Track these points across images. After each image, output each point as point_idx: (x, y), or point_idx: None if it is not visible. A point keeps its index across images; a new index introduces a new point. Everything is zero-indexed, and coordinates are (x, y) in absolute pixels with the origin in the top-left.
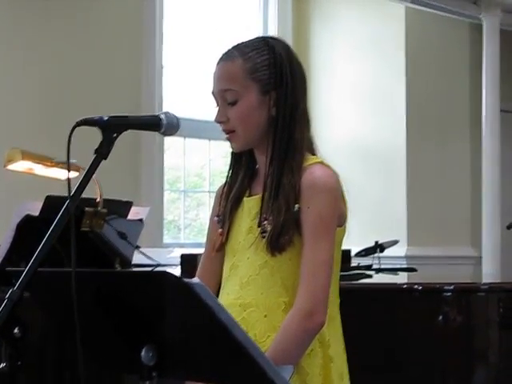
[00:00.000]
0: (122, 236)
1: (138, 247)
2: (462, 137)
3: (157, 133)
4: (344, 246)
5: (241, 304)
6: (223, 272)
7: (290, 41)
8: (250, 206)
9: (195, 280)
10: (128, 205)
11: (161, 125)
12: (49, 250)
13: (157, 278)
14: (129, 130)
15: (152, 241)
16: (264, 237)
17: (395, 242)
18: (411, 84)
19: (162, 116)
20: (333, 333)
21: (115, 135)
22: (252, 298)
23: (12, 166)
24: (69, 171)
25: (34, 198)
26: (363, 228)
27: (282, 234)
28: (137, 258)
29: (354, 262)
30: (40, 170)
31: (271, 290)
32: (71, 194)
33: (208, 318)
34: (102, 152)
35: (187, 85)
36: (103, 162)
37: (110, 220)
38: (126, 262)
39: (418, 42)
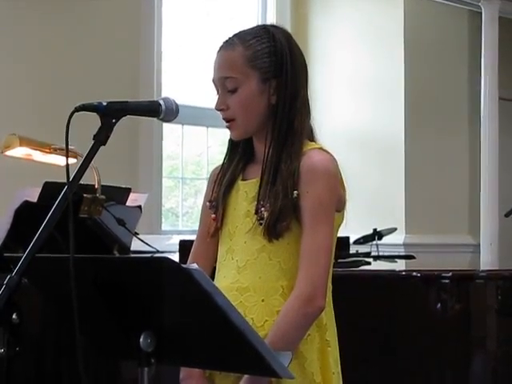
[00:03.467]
0: (121, 223)
1: (136, 234)
2: (461, 125)
3: (155, 120)
4: (342, 233)
5: (238, 288)
6: (218, 256)
7: (288, 28)
8: (247, 189)
9: (194, 266)
10: (126, 191)
11: (160, 110)
12: (47, 235)
13: (156, 264)
14: (128, 117)
15: (150, 228)
16: (261, 224)
17: (393, 230)
18: (410, 71)
19: (161, 102)
20: (329, 317)
21: (114, 121)
22: (249, 282)
23: (10, 152)
24: (67, 157)
25: (33, 184)
26: (361, 215)
27: (279, 220)
28: (135, 245)
29: (353, 250)
30: (38, 156)
31: (269, 274)
32: (69, 179)
33: (206, 303)
34: (101, 138)
35: (186, 72)
36: (102, 148)
37: (109, 206)
38: (125, 248)
39: (416, 29)
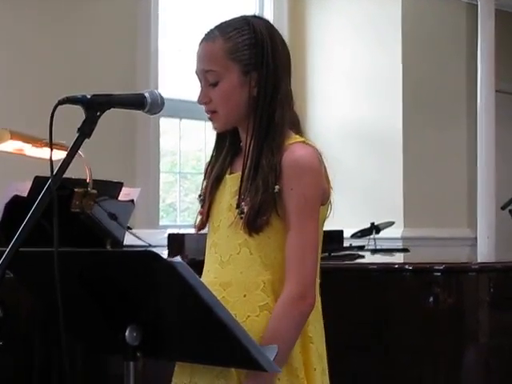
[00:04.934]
0: (112, 217)
1: (129, 228)
2: (459, 118)
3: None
4: (338, 227)
5: (221, 283)
6: (206, 250)
7: (285, 23)
8: (231, 183)
9: (177, 259)
10: (118, 186)
11: (145, 103)
12: (31, 229)
13: (140, 258)
14: (124, 112)
15: (148, 223)
16: (242, 218)
17: (391, 224)
18: (407, 65)
19: (146, 94)
20: (312, 313)
21: (98, 114)
22: (231, 276)
23: (0, 147)
24: (51, 150)
25: (25, 178)
26: (359, 209)
27: (259, 215)
28: (130, 240)
29: (347, 243)
30: (30, 150)
31: (250, 268)
32: (53, 173)
33: (191, 297)
34: (85, 131)
35: (182, 66)
36: (100, 144)
37: (101, 201)
38: (117, 242)
39: (414, 23)
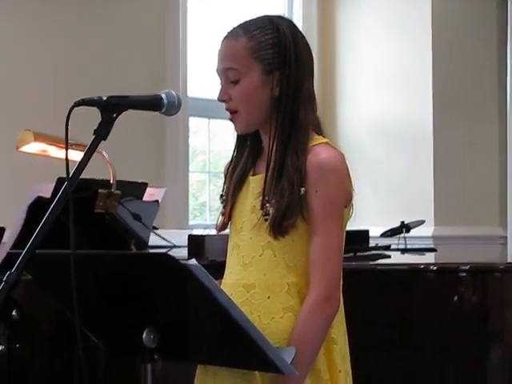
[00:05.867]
0: (136, 218)
1: (155, 228)
2: (490, 115)
3: (181, 114)
4: (368, 226)
5: (244, 285)
6: (227, 251)
7: (315, 22)
8: (254, 185)
9: (192, 262)
10: (143, 186)
11: (162, 104)
12: (47, 231)
13: (154, 260)
14: (153, 113)
15: (177, 222)
16: (266, 219)
17: (421, 222)
18: (438, 62)
19: (163, 95)
20: (337, 314)
21: (115, 115)
22: (255, 279)
23: (25, 148)
24: (66, 150)
25: (49, 179)
26: (389, 208)
27: (285, 218)
28: (155, 240)
29: (376, 242)
30: (54, 151)
31: (274, 271)
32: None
33: (206, 299)
34: (101, 133)
35: (211, 65)
36: (129, 145)
37: (125, 202)
38: (142, 243)
39: (444, 21)
